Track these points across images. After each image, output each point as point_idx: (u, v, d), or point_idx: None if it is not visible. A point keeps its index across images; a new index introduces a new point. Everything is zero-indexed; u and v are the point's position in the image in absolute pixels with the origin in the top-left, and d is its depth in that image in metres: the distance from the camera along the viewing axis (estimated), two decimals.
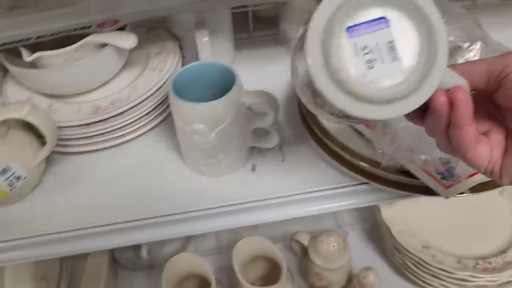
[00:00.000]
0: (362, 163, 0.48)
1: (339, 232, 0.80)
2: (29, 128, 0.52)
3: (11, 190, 0.49)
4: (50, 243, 0.50)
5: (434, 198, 0.46)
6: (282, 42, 0.70)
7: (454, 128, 0.29)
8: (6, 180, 0.48)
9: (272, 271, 0.81)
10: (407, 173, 0.46)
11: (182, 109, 0.46)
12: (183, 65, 0.57)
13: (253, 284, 0.74)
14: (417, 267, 0.77)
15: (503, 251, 0.77)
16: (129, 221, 0.50)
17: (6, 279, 0.71)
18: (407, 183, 0.47)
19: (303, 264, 0.83)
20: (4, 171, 0.47)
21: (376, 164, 0.47)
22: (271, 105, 0.48)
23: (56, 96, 0.56)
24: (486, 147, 0.31)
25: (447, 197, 0.43)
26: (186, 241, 0.90)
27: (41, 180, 0.54)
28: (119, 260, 0.89)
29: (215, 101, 0.45)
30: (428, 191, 0.46)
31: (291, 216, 0.52)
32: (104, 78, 0.56)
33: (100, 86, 0.57)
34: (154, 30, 0.64)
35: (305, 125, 0.54)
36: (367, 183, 0.49)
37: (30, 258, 0.51)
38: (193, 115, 0.46)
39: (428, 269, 0.76)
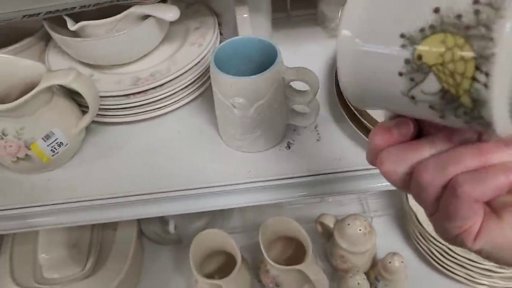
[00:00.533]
0: None
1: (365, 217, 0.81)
2: (71, 96, 0.53)
3: (53, 155, 0.50)
4: (86, 209, 0.52)
5: None
6: (320, 22, 0.69)
7: None
8: (49, 145, 0.49)
9: (297, 252, 0.81)
10: None
11: (223, 82, 0.47)
12: (220, 42, 0.58)
13: (278, 262, 0.74)
14: (443, 255, 0.77)
15: None
16: (163, 192, 0.51)
17: (39, 245, 0.73)
18: None
19: (327, 247, 0.83)
20: (48, 136, 0.49)
21: None
22: (312, 83, 0.48)
23: (97, 66, 0.57)
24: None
25: None
26: (213, 219, 0.91)
27: (80, 148, 0.55)
28: (146, 233, 0.91)
29: (257, 75, 0.46)
30: None
31: (323, 195, 0.52)
32: (145, 50, 0.57)
33: (141, 58, 0.58)
34: (193, 6, 0.64)
35: (342, 105, 0.54)
36: None
37: (66, 223, 0.53)
38: (233, 89, 0.47)
39: (454, 257, 0.75)
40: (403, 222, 0.88)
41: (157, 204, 0.52)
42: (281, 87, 0.48)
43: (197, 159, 0.53)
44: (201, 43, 0.57)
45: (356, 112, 0.51)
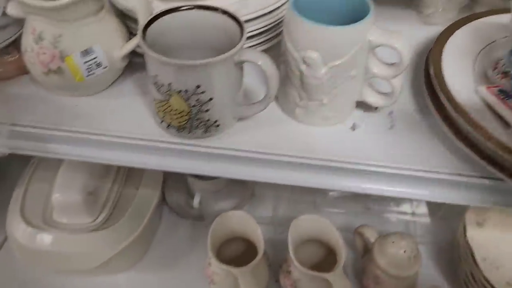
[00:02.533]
0: (501, 152, 0.37)
1: None
2: (123, 20, 0.47)
3: (87, 76, 0.44)
4: (109, 145, 0.45)
5: None
6: (414, 6, 0.60)
7: None
8: (86, 62, 0.43)
9: (326, 259, 0.72)
10: None
11: (298, 29, 0.39)
12: None
13: (304, 265, 0.66)
14: None
15: None
16: (201, 146, 0.43)
17: (55, 184, 0.68)
18: None
19: (362, 262, 0.74)
20: (86, 52, 0.43)
21: None
22: (403, 53, 0.39)
23: None
24: None
25: None
26: (241, 203, 0.83)
27: (118, 80, 0.49)
28: (169, 202, 0.84)
29: (340, 27, 0.38)
30: None
31: (382, 192, 0.44)
32: None
33: None
34: None
35: (430, 94, 0.45)
36: (500, 179, 0.39)
37: (85, 157, 0.46)
38: (308, 39, 0.39)
39: None
40: (452, 257, 0.77)
41: (185, 159, 0.45)
42: (365, 50, 0.40)
43: (246, 121, 0.45)
44: None
45: (448, 105, 0.42)
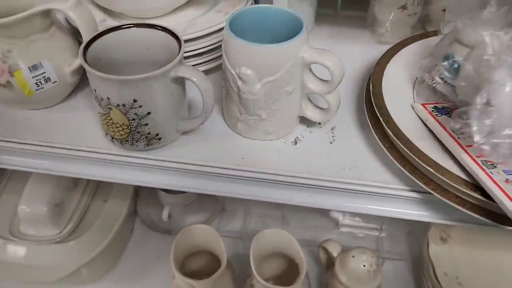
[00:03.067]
0: (428, 167, 0.38)
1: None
2: (75, 35, 0.49)
3: (36, 90, 0.45)
4: (59, 158, 0.46)
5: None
6: (368, 25, 0.62)
7: None
8: (34, 77, 0.44)
9: (290, 273, 0.73)
10: (479, 189, 0.37)
11: (233, 47, 0.40)
12: None
13: (266, 280, 0.66)
14: None
15: None
16: (144, 158, 0.44)
17: (22, 196, 0.69)
18: (481, 205, 0.38)
19: (326, 277, 0.74)
20: (35, 67, 0.44)
21: (444, 169, 0.38)
22: (334, 70, 0.40)
23: (112, 13, 0.52)
24: None
25: None
26: (211, 217, 0.84)
27: (72, 95, 0.51)
28: (140, 214, 0.85)
29: (271, 45, 0.39)
30: (498, 218, 0.36)
31: (323, 206, 0.45)
32: (166, 5, 0.52)
33: (159, 16, 0.53)
34: None
35: (369, 111, 0.46)
36: (429, 193, 0.40)
37: (36, 169, 0.48)
38: (242, 56, 0.40)
39: None
40: (418, 272, 0.77)
41: (130, 171, 0.46)
42: (299, 67, 0.41)
43: (194, 133, 0.47)
44: (228, 12, 0.52)
45: (381, 119, 0.43)
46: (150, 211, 0.85)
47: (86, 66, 0.38)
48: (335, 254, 0.71)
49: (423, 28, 0.62)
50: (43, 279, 0.71)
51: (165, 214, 0.79)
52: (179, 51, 0.40)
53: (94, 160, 0.45)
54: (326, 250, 0.73)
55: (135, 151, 0.44)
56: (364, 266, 0.65)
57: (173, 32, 0.42)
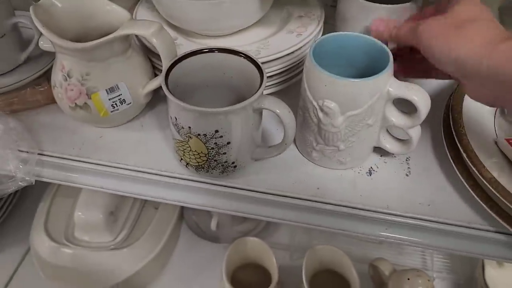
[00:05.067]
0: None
1: None
2: (149, 56, 0.49)
3: (112, 111, 0.45)
4: (128, 179, 0.46)
5: None
6: None
7: None
8: (111, 99, 0.44)
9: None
10: None
11: (318, 79, 0.39)
12: None
13: None
14: None
15: None
16: (218, 185, 0.44)
17: (78, 202, 0.70)
18: None
19: None
20: (112, 89, 0.44)
21: None
22: (421, 105, 0.39)
23: (184, 31, 0.52)
24: None
25: None
26: (258, 227, 0.84)
27: (142, 113, 0.51)
28: (187, 221, 0.86)
29: (359, 80, 0.38)
30: None
31: (398, 240, 0.43)
32: (237, 25, 0.51)
33: (230, 34, 0.52)
34: None
35: (448, 144, 0.45)
36: (508, 234, 0.38)
37: (105, 188, 0.48)
38: (327, 89, 0.39)
39: None
40: None
41: (202, 195, 0.46)
42: (383, 101, 0.40)
43: (264, 161, 0.46)
44: (301, 33, 0.51)
45: (464, 155, 0.42)
46: (198, 218, 0.85)
47: (170, 96, 0.38)
48: (387, 273, 0.70)
49: None
50: (96, 285, 0.72)
51: (213, 223, 0.79)
52: (261, 81, 0.40)
53: (166, 183, 0.45)
54: (377, 269, 0.72)
55: (210, 177, 0.44)
56: None
57: (255, 61, 0.42)
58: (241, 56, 0.42)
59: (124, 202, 0.74)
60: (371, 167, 0.46)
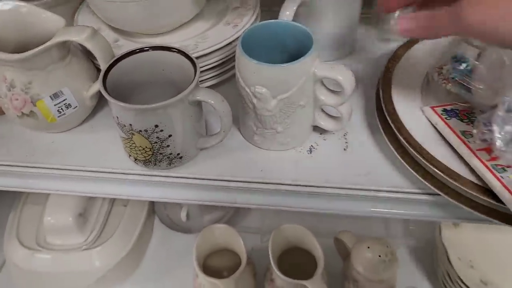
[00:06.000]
0: (440, 173, 0.40)
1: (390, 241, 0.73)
2: (91, 59, 0.50)
3: (59, 116, 0.47)
4: (83, 179, 0.48)
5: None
6: (373, 22, 0.62)
7: None
8: (56, 105, 0.46)
9: (310, 265, 0.75)
10: (489, 193, 0.38)
11: (246, 67, 0.42)
12: None
13: (285, 273, 0.69)
14: None
15: None
16: (167, 176, 0.46)
17: (46, 208, 0.71)
18: (486, 205, 0.39)
19: (342, 267, 0.77)
20: (56, 95, 0.46)
21: (455, 175, 0.40)
22: (345, 84, 0.42)
23: (125, 32, 0.54)
24: None
25: None
26: (227, 214, 0.87)
27: (92, 115, 0.52)
28: (159, 215, 0.88)
29: (283, 65, 0.40)
30: (510, 219, 0.38)
31: (341, 211, 0.46)
32: (175, 21, 0.53)
33: (170, 31, 0.54)
34: None
35: (380, 116, 0.48)
36: (437, 194, 0.42)
37: (62, 191, 0.50)
38: (256, 76, 0.42)
39: None
40: (432, 257, 0.80)
41: (154, 188, 0.48)
42: (311, 82, 0.43)
43: (210, 150, 0.48)
44: (237, 24, 0.53)
45: (392, 126, 0.44)
46: (169, 211, 0.88)
47: (108, 97, 0.40)
48: (350, 245, 0.73)
49: None
50: (72, 287, 0.74)
51: (183, 214, 0.81)
52: (195, 74, 0.42)
53: (119, 180, 0.47)
54: (341, 242, 0.75)
55: (158, 170, 0.46)
56: (380, 256, 0.68)
57: (188, 55, 0.44)
58: (174, 51, 0.44)
59: (93, 202, 0.76)
60: (312, 145, 0.48)
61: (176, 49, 0.44)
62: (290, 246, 0.75)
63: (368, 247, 0.69)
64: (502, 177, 0.38)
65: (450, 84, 0.47)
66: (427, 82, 0.50)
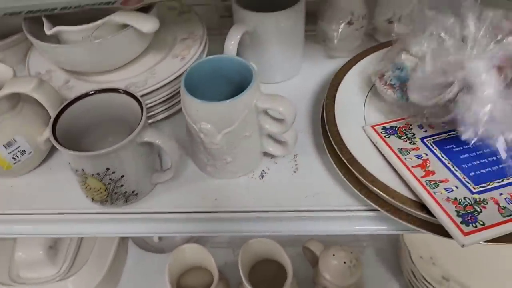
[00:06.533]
0: (380, 191, 0.43)
1: (356, 246, 0.76)
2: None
3: (14, 163, 0.48)
4: (44, 222, 0.49)
5: None
6: (320, 40, 0.65)
7: None
8: (10, 153, 0.47)
9: (280, 274, 0.78)
10: (424, 208, 0.41)
11: (190, 105, 0.44)
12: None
13: (258, 285, 0.71)
14: None
15: None
16: (124, 213, 0.48)
17: (16, 243, 0.72)
18: (422, 219, 0.42)
19: (313, 274, 0.79)
20: (9, 144, 0.47)
21: (394, 193, 0.42)
22: (286, 114, 0.44)
23: (75, 72, 0.55)
24: None
25: (462, 246, 0.38)
26: None
27: (49, 156, 0.54)
28: (132, 237, 0.89)
29: (224, 101, 0.42)
30: (443, 232, 0.41)
31: (289, 233, 0.48)
32: (124, 60, 0.54)
33: (121, 67, 0.56)
34: (185, 14, 0.61)
35: (325, 137, 0.50)
36: (377, 210, 0.44)
37: (24, 234, 0.50)
38: (200, 114, 0.43)
39: None
40: (397, 256, 0.83)
41: (114, 225, 0.49)
42: (254, 114, 0.45)
43: (166, 182, 0.50)
44: (184, 56, 0.54)
45: (335, 147, 0.47)
46: None
47: (57, 145, 0.41)
48: (318, 253, 0.76)
49: (374, 39, 0.65)
50: None
51: (155, 237, 0.83)
52: (141, 116, 0.44)
53: (79, 220, 0.49)
54: (309, 250, 0.78)
55: (116, 207, 0.48)
56: (345, 262, 0.71)
57: (134, 96, 0.45)
58: (120, 92, 0.46)
59: None
60: (263, 170, 0.51)
61: (122, 90, 0.46)
62: (261, 259, 0.78)
63: (334, 255, 0.71)
64: (434, 192, 0.41)
65: (390, 90, 0.49)
66: (370, 96, 0.53)
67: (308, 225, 0.48)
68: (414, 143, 0.47)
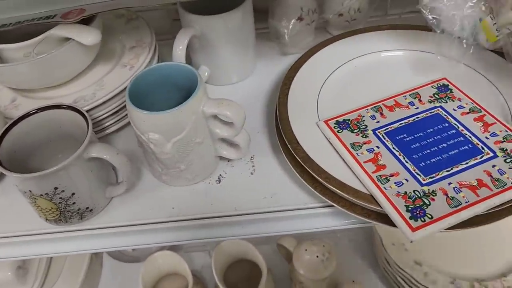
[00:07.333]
0: (334, 188, 0.43)
1: (330, 237, 0.77)
2: None
3: None
4: (4, 245, 0.48)
5: None
6: (272, 37, 0.64)
7: None
8: None
9: (256, 274, 0.78)
10: (376, 202, 0.41)
11: (136, 116, 0.43)
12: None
13: (235, 285, 0.71)
14: (408, 284, 0.73)
15: (503, 275, 0.71)
16: (80, 230, 0.47)
17: None
18: (376, 212, 0.42)
19: (289, 270, 0.79)
20: None
21: (348, 189, 0.42)
22: (235, 118, 0.44)
23: (21, 90, 0.53)
24: None
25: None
26: None
27: (1, 178, 0.52)
28: None
29: (170, 110, 0.42)
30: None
31: (254, 234, 0.48)
32: (70, 74, 0.53)
33: (70, 81, 0.54)
34: (133, 21, 0.60)
35: (279, 136, 0.50)
36: (332, 205, 0.44)
37: None
38: (147, 124, 0.43)
39: (419, 287, 0.71)
40: (372, 245, 0.84)
41: (73, 243, 0.48)
42: (202, 120, 0.44)
43: (122, 195, 0.49)
44: (133, 65, 0.54)
45: (289, 146, 0.47)
46: None
47: (0, 169, 0.40)
48: (291, 249, 0.76)
49: (327, 32, 0.65)
50: None
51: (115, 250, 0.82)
52: (87, 131, 0.43)
53: (36, 241, 0.48)
54: (283, 246, 0.78)
55: (72, 225, 0.47)
56: (317, 256, 0.71)
57: (79, 110, 0.44)
58: (64, 108, 0.45)
59: None
60: (220, 174, 0.50)
61: (66, 105, 0.45)
62: (235, 259, 0.77)
63: (306, 250, 0.72)
64: (385, 188, 0.41)
65: None
66: (323, 90, 0.52)
67: (268, 226, 0.48)
68: (366, 136, 0.47)
